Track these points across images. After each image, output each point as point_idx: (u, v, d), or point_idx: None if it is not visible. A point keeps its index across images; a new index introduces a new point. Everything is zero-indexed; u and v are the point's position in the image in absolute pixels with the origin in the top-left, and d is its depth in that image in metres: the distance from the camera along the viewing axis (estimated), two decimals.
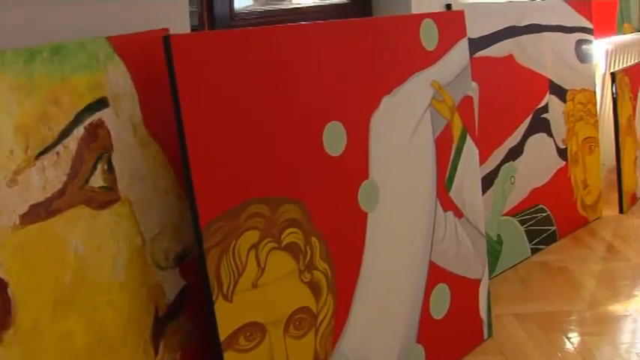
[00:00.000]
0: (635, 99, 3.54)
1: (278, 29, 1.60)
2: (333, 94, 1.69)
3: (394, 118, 1.84)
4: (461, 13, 2.16)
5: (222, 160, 1.44)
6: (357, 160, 1.73)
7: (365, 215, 1.75)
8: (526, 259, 2.86)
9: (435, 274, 1.98)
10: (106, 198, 1.40)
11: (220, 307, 1.43)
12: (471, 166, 2.13)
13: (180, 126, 1.38)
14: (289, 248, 1.56)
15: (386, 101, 1.82)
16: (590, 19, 3.24)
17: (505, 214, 2.78)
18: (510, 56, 2.79)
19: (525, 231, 2.87)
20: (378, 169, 1.78)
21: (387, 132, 1.82)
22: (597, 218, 3.31)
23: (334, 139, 1.67)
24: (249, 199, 1.48)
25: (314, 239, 1.62)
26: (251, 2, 2.41)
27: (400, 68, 1.89)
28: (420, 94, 1.94)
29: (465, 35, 2.14)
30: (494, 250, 2.68)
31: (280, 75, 1.57)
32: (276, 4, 2.44)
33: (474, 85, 2.42)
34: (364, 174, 1.75)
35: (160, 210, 1.54)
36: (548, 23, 3.00)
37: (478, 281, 2.16)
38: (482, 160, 2.57)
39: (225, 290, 1.44)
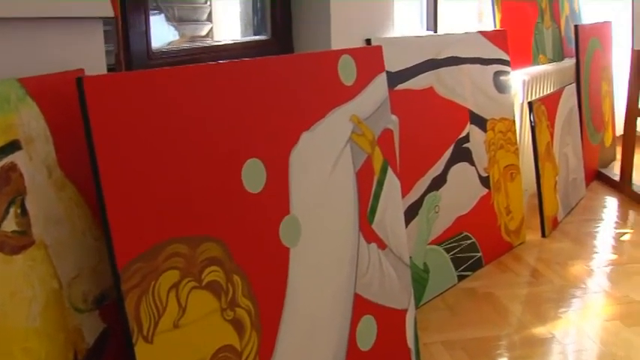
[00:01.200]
0: (553, 126, 3.66)
1: (193, 69, 1.60)
2: (252, 131, 1.70)
3: (314, 153, 1.86)
4: (379, 48, 2.21)
5: (139, 201, 1.43)
6: (277, 197, 1.74)
7: (287, 251, 1.76)
8: (453, 286, 2.90)
9: (361, 306, 2.00)
10: (20, 242, 1.37)
11: (141, 350, 1.40)
12: (393, 198, 2.16)
13: (95, 168, 1.36)
14: (210, 287, 1.55)
15: (305, 137, 1.84)
16: (507, 51, 3.35)
17: (431, 243, 2.82)
18: (431, 88, 2.86)
19: (451, 259, 2.92)
20: (298, 204, 1.79)
21: (307, 167, 1.84)
22: (521, 243, 3.39)
23: (253, 176, 1.68)
24: (168, 239, 1.47)
25: (236, 277, 1.61)
26: (172, 38, 2.41)
27: (319, 104, 1.91)
28: (339, 128, 1.97)
29: (383, 69, 2.18)
30: (421, 278, 2.71)
31: (197, 114, 1.57)
32: (198, 42, 2.45)
33: (394, 118, 2.47)
34: (285, 210, 1.76)
35: (78, 252, 1.51)
36: (466, 56, 3.09)
37: (404, 311, 2.19)
38: (406, 190, 2.62)
39: (145, 332, 1.42)
